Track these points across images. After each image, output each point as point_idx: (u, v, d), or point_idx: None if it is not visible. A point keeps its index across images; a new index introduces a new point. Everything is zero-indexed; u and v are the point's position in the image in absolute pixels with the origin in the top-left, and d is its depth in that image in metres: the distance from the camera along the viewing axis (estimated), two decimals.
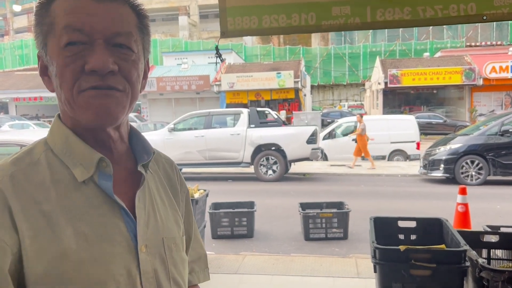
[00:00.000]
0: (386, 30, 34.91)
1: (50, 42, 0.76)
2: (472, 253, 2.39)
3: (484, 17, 2.27)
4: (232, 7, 2.39)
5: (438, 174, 9.87)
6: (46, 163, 0.77)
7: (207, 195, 4.92)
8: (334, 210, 5.94)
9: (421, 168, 10.41)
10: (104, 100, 0.75)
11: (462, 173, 9.61)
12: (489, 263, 2.88)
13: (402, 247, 2.36)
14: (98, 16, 0.74)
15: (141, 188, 0.83)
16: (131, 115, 25.22)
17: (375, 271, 2.51)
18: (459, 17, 2.29)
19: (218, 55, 2.29)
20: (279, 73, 24.56)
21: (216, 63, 2.23)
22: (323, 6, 2.27)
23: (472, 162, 9.58)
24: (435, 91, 27.40)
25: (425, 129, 20.49)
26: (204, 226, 4.87)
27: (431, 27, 33.70)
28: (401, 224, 3.11)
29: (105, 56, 0.74)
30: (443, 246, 2.40)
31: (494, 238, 2.98)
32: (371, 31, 35.37)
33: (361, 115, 13.08)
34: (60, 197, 0.74)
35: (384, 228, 3.03)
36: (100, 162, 0.78)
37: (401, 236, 3.06)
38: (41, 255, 0.69)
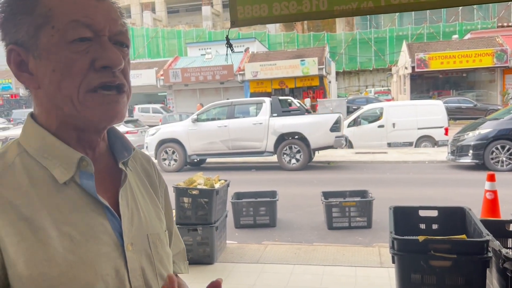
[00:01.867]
0: (413, 12, 34.01)
1: (45, 36, 0.72)
2: (495, 243, 2.30)
3: None
4: None
5: (467, 160, 9.58)
6: (21, 166, 0.74)
7: (228, 185, 4.93)
8: (358, 199, 5.86)
9: (449, 154, 10.14)
10: (115, 106, 0.75)
11: (492, 158, 9.30)
12: None
13: (420, 238, 2.29)
14: (102, 13, 0.74)
15: (123, 186, 0.81)
16: (157, 106, 25.58)
17: (393, 262, 2.45)
18: None
19: (229, 45, 2.25)
20: (303, 60, 24.29)
21: (227, 54, 2.20)
22: None
23: (503, 147, 9.26)
24: (464, 75, 26.53)
25: (455, 114, 19.90)
26: (226, 216, 4.89)
27: (460, 8, 32.60)
28: (422, 213, 3.02)
29: (117, 53, 0.74)
30: (463, 236, 2.31)
31: None
32: (397, 14, 34.54)
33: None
34: (42, 200, 0.72)
35: (405, 218, 2.96)
36: (81, 161, 0.76)
37: (422, 226, 2.98)
38: (26, 261, 0.68)
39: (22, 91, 28.08)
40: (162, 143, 11.07)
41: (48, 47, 0.72)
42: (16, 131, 15.60)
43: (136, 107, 25.55)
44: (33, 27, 0.72)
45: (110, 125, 0.78)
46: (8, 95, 31.29)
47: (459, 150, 9.70)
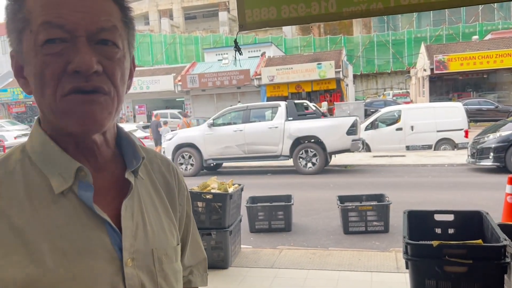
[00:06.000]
0: (431, 14, 33.54)
1: (25, 40, 0.69)
2: None
3: None
4: None
5: (487, 163, 9.37)
6: (21, 173, 0.71)
7: (242, 189, 4.92)
8: (374, 203, 5.79)
9: (469, 157, 9.94)
10: (89, 106, 0.69)
11: None
12: None
13: (434, 243, 2.23)
14: (80, 11, 0.68)
15: (129, 197, 0.76)
16: (175, 111, 25.79)
17: (407, 268, 2.40)
18: None
19: (237, 49, 2.25)
20: (320, 64, 24.19)
21: (235, 58, 2.19)
22: None
23: None
24: (485, 76, 26.04)
25: (475, 116, 19.51)
26: (240, 221, 4.88)
27: (480, 8, 32.04)
28: (438, 217, 2.95)
29: (89, 55, 0.67)
30: (479, 241, 2.25)
31: None
32: (415, 16, 34.12)
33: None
34: (36, 211, 0.68)
35: (420, 222, 2.90)
36: (79, 171, 0.71)
37: (438, 230, 2.90)
38: (13, 276, 0.63)
39: None
40: (179, 147, 11.15)
41: (28, 51, 0.69)
42: None
43: (154, 112, 25.81)
44: (17, 33, 0.71)
45: (89, 131, 0.71)
46: (31, 102, 32.05)
47: (479, 153, 9.50)
